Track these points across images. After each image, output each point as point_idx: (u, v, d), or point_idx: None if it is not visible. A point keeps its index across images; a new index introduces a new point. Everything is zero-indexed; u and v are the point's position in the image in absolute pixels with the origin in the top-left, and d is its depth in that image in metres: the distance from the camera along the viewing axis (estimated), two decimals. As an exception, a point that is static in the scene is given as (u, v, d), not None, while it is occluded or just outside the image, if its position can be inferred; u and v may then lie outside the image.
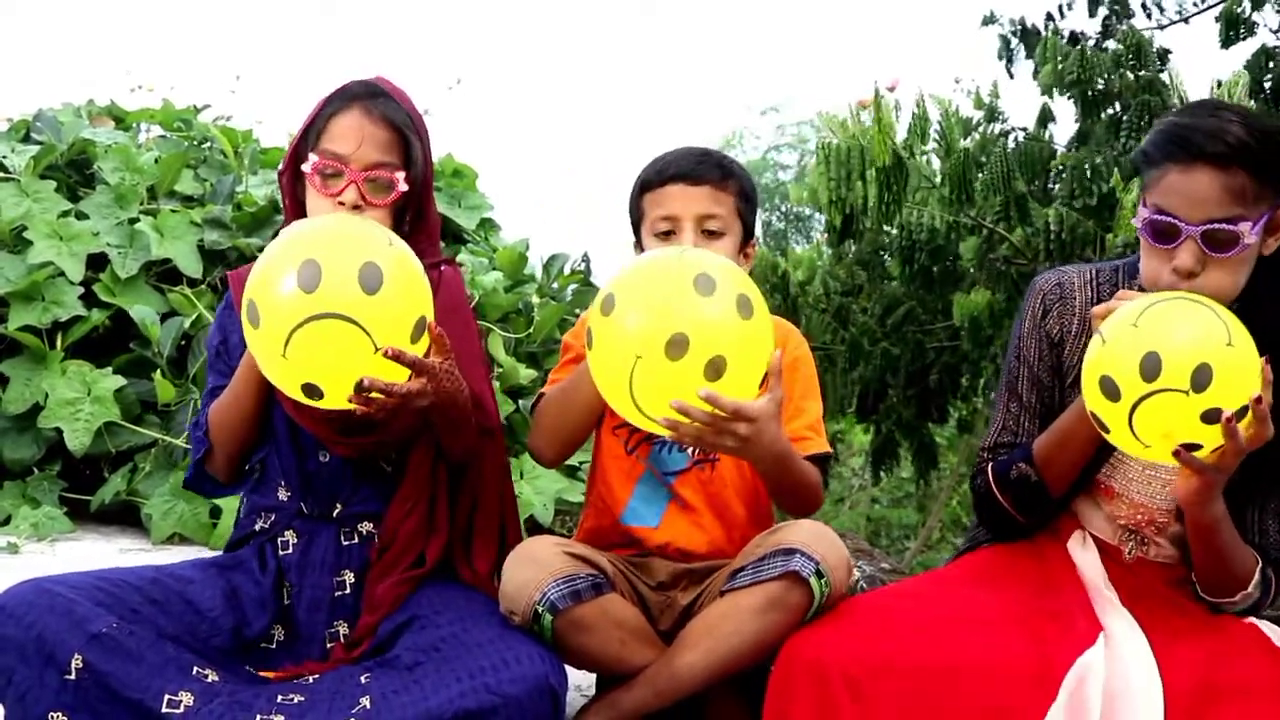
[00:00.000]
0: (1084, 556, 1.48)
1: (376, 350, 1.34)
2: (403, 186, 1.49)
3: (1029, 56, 3.86)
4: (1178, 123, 1.36)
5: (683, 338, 1.36)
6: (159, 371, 2.83)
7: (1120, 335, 1.39)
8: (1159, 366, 1.34)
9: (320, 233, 1.42)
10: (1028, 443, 1.51)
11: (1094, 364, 1.40)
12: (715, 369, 1.37)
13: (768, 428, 1.39)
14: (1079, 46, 3.56)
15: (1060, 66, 3.44)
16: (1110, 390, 1.38)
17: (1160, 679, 1.26)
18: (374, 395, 1.35)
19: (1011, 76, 3.96)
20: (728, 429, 1.36)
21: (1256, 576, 1.40)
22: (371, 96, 1.51)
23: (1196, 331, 1.37)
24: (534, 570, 1.42)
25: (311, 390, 1.38)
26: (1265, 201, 1.32)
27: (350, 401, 1.36)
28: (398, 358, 1.35)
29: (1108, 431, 1.39)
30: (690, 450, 1.64)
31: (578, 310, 3.36)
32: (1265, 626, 1.37)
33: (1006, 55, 4.02)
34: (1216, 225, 1.30)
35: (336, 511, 1.55)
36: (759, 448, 1.39)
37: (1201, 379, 1.33)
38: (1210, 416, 1.34)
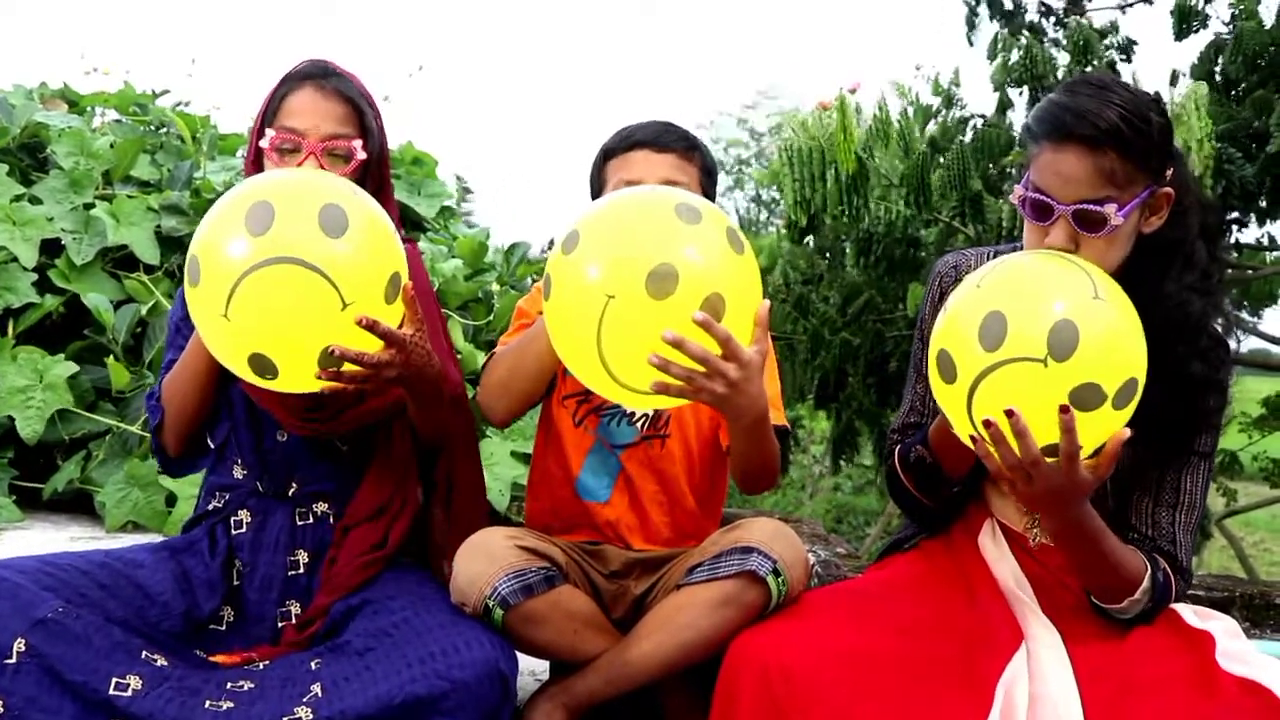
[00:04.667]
0: (999, 559, 1.45)
1: (345, 307, 1.18)
2: (361, 155, 1.50)
3: (993, 18, 3.92)
4: (1056, 100, 1.33)
5: (669, 269, 1.12)
6: (113, 357, 2.80)
7: (961, 299, 1.18)
8: (1003, 329, 1.09)
9: (274, 177, 1.30)
10: (929, 424, 1.46)
11: (934, 340, 1.21)
12: (713, 311, 1.15)
13: (755, 379, 1.28)
14: (1026, 43, 3.63)
15: (1009, 62, 3.51)
16: (946, 368, 1.16)
17: (1077, 685, 1.26)
18: (344, 368, 1.24)
19: (971, 44, 4.03)
20: (718, 369, 1.23)
21: (1145, 583, 1.33)
22: (324, 75, 1.53)
23: (1053, 282, 1.12)
24: (485, 563, 1.42)
25: (261, 364, 1.22)
26: (1139, 183, 1.30)
27: (317, 378, 1.24)
28: (372, 327, 1.23)
29: (952, 426, 1.21)
30: (639, 424, 1.63)
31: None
32: (1181, 608, 1.36)
33: (971, 24, 4.09)
34: (1086, 206, 1.28)
35: (292, 490, 1.55)
36: (744, 398, 1.28)
37: (1063, 342, 1.06)
38: (1085, 398, 1.07)
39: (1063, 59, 3.64)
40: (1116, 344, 1.11)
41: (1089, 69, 3.55)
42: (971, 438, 1.21)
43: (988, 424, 1.15)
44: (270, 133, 1.48)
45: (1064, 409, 1.12)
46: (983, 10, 4.07)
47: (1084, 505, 1.27)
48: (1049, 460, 1.16)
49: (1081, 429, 1.14)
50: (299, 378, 1.24)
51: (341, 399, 1.43)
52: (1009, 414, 1.12)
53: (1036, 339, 1.08)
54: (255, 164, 1.54)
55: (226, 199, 1.26)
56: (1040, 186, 1.31)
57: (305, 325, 1.18)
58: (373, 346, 1.27)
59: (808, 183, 3.26)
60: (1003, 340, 1.09)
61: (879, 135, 3.33)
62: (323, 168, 1.47)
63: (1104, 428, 1.14)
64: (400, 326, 1.33)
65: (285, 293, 1.15)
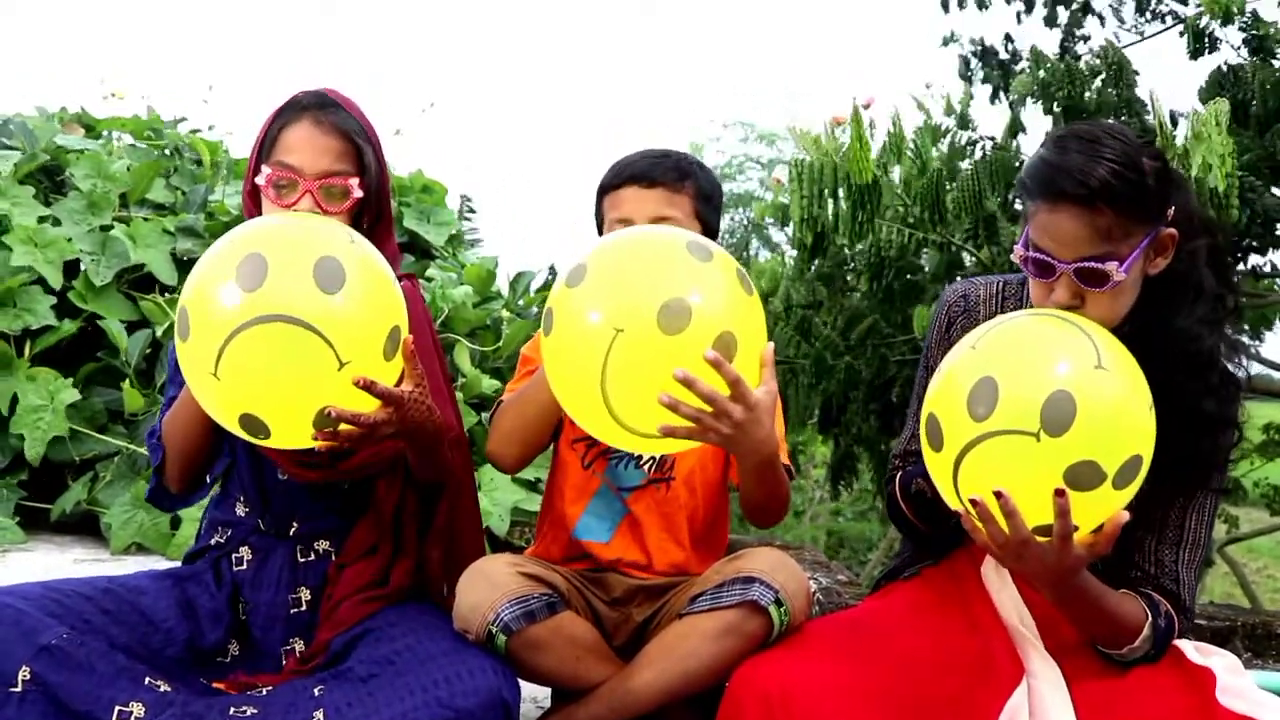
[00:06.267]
0: (1001, 590, 1.43)
1: (341, 367, 1.13)
2: (358, 193, 1.47)
3: (986, 81, 3.94)
4: (1046, 159, 1.30)
5: (682, 304, 1.09)
6: (128, 381, 2.83)
7: (955, 361, 1.13)
8: (994, 397, 1.01)
9: (267, 227, 1.24)
10: None
11: (926, 403, 1.15)
12: (725, 350, 1.12)
13: (764, 420, 1.28)
14: (1064, 60, 3.59)
15: (1044, 74, 3.45)
16: (934, 434, 1.09)
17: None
18: (340, 428, 1.21)
19: (972, 97, 4.05)
20: (725, 410, 1.22)
21: (1146, 631, 1.31)
22: (320, 107, 1.49)
23: (1051, 348, 1.05)
24: (487, 590, 1.42)
25: (253, 425, 1.18)
26: (1138, 233, 1.27)
27: (313, 439, 1.22)
28: (370, 388, 1.19)
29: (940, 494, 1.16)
30: (646, 467, 1.65)
31: (542, 326, 3.38)
32: (1182, 644, 1.36)
33: (966, 75, 4.10)
34: (1088, 264, 1.26)
35: (293, 530, 1.55)
36: (750, 440, 1.28)
37: (1058, 415, 0.98)
38: (1082, 476, 0.99)
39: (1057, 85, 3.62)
40: (1119, 418, 1.02)
41: (1122, 91, 3.50)
42: (956, 512, 1.17)
43: (974, 503, 1.11)
44: (266, 170, 1.45)
45: (1059, 493, 1.05)
46: (976, 64, 4.10)
47: (1079, 577, 1.24)
48: (1040, 540, 1.11)
49: (1077, 509, 1.08)
50: (292, 437, 1.19)
51: (336, 451, 1.40)
52: (998, 495, 1.07)
53: (1029, 410, 1.00)
54: (252, 197, 1.52)
55: (218, 248, 1.21)
56: (1039, 245, 1.30)
57: (300, 386, 1.12)
58: (370, 406, 1.24)
59: (816, 199, 3.21)
60: (993, 409, 1.02)
61: (893, 151, 3.27)
62: (319, 205, 1.44)
63: (1103, 508, 1.06)
64: (399, 383, 1.30)
65: (279, 352, 1.10)
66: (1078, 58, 4.06)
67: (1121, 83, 3.49)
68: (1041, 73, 3.52)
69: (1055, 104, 3.51)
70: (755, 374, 1.27)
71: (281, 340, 1.10)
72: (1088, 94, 3.47)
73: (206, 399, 1.21)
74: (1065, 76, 3.43)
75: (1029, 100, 3.65)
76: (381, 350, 1.22)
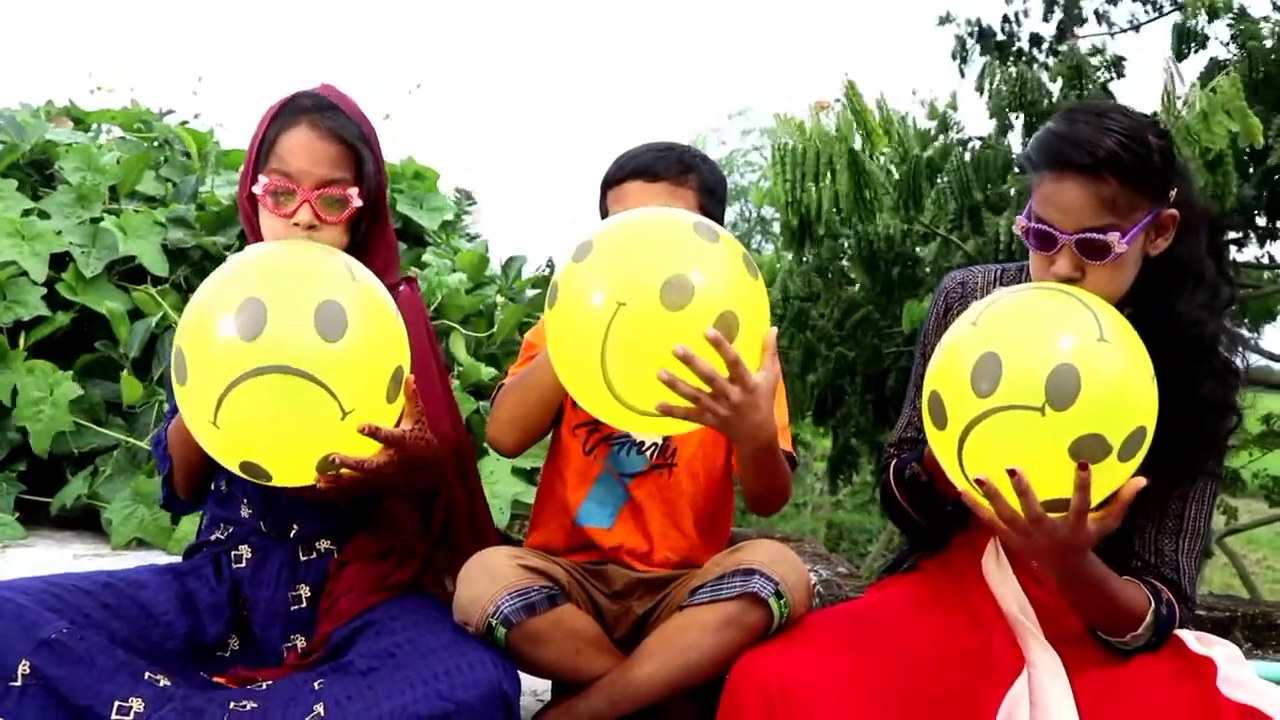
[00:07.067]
0: (1002, 583, 1.43)
1: (345, 416, 1.12)
2: (356, 202, 1.45)
3: (984, 53, 3.96)
4: (1053, 130, 1.31)
5: (685, 281, 1.09)
6: (124, 372, 2.82)
7: (955, 337, 1.12)
8: (998, 373, 1.01)
9: (266, 264, 1.22)
10: (926, 441, 1.38)
11: (927, 380, 1.15)
12: (726, 329, 1.12)
13: (761, 404, 1.27)
14: (1017, 71, 3.66)
15: (1002, 89, 3.53)
16: (936, 412, 1.10)
17: (1078, 711, 1.25)
18: (343, 473, 1.22)
19: (963, 75, 4.06)
20: (723, 390, 1.22)
21: (1148, 619, 1.31)
22: (319, 110, 1.46)
23: (1054, 322, 1.05)
24: (488, 583, 1.42)
25: (254, 470, 1.18)
26: (1141, 208, 1.28)
27: (315, 482, 1.22)
28: (374, 434, 1.19)
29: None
30: (648, 453, 1.65)
31: (538, 313, 3.38)
32: (1183, 633, 1.35)
33: (962, 55, 4.12)
34: (1089, 235, 1.26)
35: (293, 532, 1.54)
36: (747, 424, 1.28)
37: (1062, 389, 0.98)
38: (1087, 450, 0.99)
39: (1054, 85, 3.65)
40: (1123, 390, 1.03)
41: (1083, 93, 3.56)
42: (956, 495, 1.17)
43: (980, 482, 1.11)
44: (264, 179, 1.43)
45: (1082, 466, 1.06)
46: (972, 44, 4.11)
47: (1086, 557, 1.24)
48: (1051, 516, 1.12)
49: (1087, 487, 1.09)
50: (294, 479, 1.20)
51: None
52: (1011, 474, 1.07)
53: (1034, 385, 1.00)
54: (250, 202, 1.49)
55: (215, 285, 1.19)
56: (1042, 216, 1.30)
57: (302, 436, 1.12)
58: (372, 450, 1.25)
59: (799, 183, 3.21)
60: (997, 385, 1.02)
61: (880, 133, 3.28)
62: (317, 215, 1.42)
63: (1108, 481, 1.07)
64: (399, 421, 1.30)
65: (280, 404, 1.09)
66: (1054, 50, 4.09)
67: (1083, 84, 3.53)
68: (999, 85, 3.57)
69: (1010, 111, 3.58)
70: (756, 357, 1.27)
71: (282, 391, 1.09)
72: (1046, 100, 3.52)
73: (207, 444, 1.20)
74: (1017, 84, 3.49)
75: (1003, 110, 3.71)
76: (385, 395, 1.22)
